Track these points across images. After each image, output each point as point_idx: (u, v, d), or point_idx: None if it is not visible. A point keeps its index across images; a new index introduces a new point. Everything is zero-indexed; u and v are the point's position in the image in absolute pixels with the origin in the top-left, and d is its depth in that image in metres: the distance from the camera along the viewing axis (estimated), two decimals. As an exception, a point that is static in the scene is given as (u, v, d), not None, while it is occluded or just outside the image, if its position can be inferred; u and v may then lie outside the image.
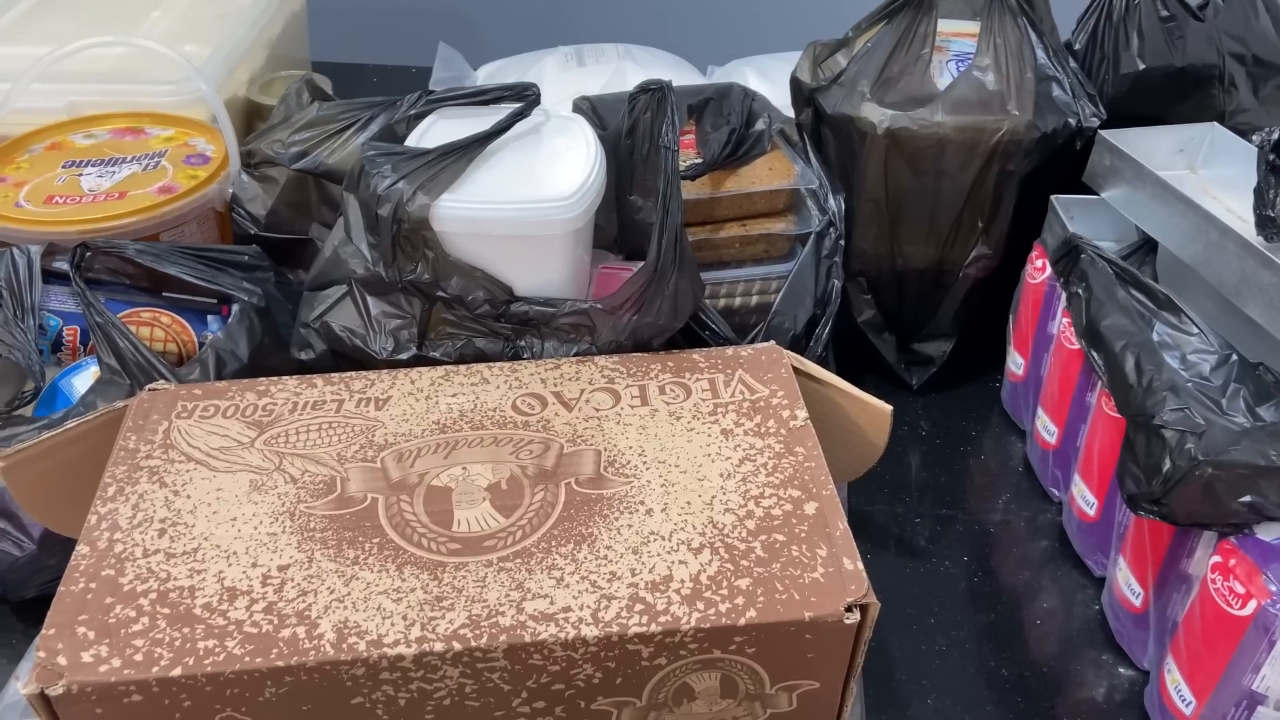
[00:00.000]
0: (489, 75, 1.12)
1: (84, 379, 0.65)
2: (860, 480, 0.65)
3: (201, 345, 0.69)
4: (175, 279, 0.68)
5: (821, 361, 0.76)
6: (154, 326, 0.68)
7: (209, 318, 0.70)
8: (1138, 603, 0.59)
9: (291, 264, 0.75)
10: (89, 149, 0.79)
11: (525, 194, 0.59)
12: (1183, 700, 0.54)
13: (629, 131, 0.66)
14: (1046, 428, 0.72)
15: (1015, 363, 0.78)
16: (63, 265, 0.67)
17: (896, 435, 0.80)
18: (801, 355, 0.75)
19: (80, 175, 0.75)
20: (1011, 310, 0.79)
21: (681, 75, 1.10)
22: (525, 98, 0.65)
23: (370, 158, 0.60)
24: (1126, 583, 0.60)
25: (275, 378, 0.59)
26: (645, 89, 0.64)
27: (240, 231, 0.74)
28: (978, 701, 0.59)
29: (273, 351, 0.68)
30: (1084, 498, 0.65)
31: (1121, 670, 0.61)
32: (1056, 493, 0.72)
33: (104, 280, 0.69)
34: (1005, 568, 0.68)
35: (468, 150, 0.61)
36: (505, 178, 0.61)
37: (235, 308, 0.67)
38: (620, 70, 1.07)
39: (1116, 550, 0.61)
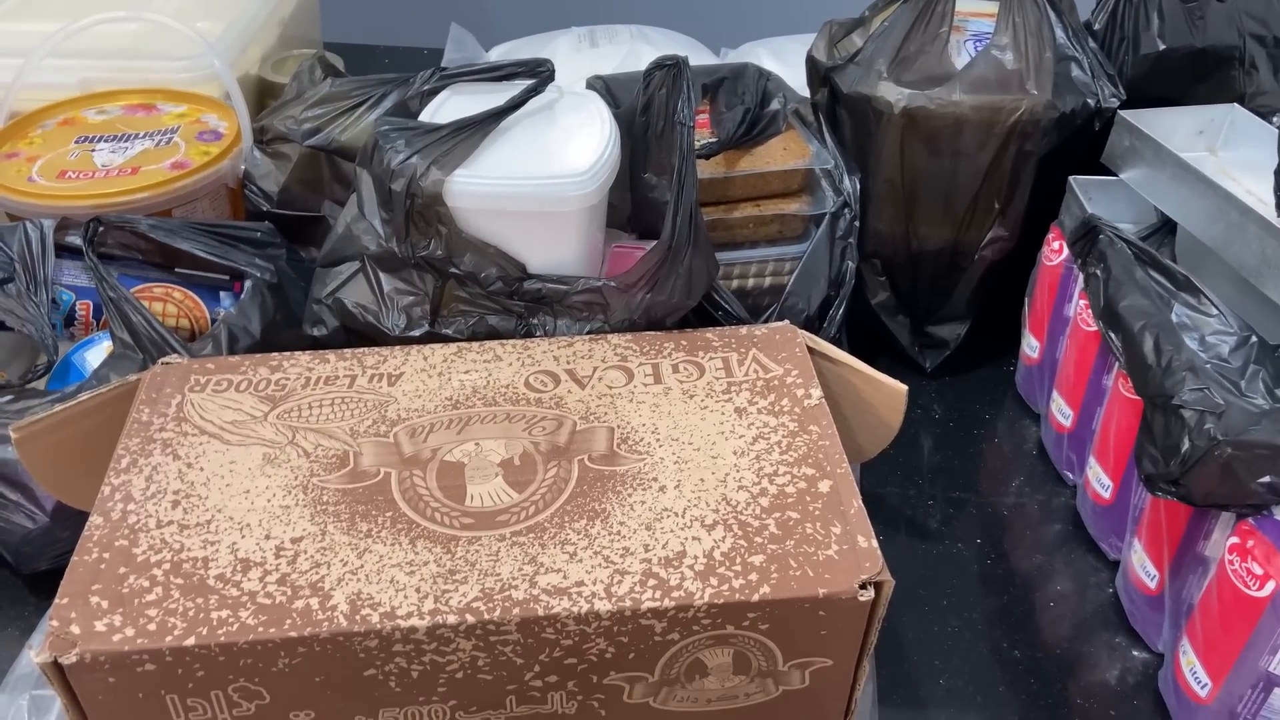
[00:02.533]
0: (501, 56, 1.12)
1: (97, 353, 0.65)
2: (872, 462, 0.64)
3: (214, 321, 0.69)
4: (188, 255, 0.68)
5: (835, 343, 0.76)
6: (166, 302, 0.68)
7: (221, 294, 0.70)
8: (1153, 585, 0.59)
9: (304, 241, 0.75)
10: (102, 125, 0.79)
11: (539, 170, 0.59)
12: (1198, 682, 0.53)
13: (644, 108, 0.66)
14: (1061, 410, 0.71)
15: (1030, 346, 0.78)
16: (75, 240, 0.67)
17: (910, 418, 0.79)
18: (816, 335, 0.76)
19: (93, 151, 0.75)
20: (1027, 293, 0.78)
21: (695, 56, 1.08)
22: (539, 74, 0.65)
23: (384, 132, 0.60)
24: (1142, 565, 0.59)
25: (288, 353, 0.59)
26: (661, 65, 0.64)
27: (252, 208, 0.74)
28: (990, 683, 0.59)
29: (285, 328, 0.68)
30: (1099, 480, 0.65)
31: (1135, 653, 0.61)
32: (1071, 476, 0.72)
33: (117, 255, 0.69)
34: (1018, 551, 0.68)
35: (481, 126, 0.60)
36: (519, 154, 0.60)
37: (248, 284, 0.67)
38: (633, 51, 1.07)
39: (1132, 533, 0.61)
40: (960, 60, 0.74)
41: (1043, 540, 0.68)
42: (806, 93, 0.83)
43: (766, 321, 0.75)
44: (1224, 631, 0.51)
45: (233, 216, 0.77)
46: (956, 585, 0.64)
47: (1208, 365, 0.57)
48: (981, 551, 0.67)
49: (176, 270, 0.70)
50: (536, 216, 0.60)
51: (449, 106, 0.64)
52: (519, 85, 0.64)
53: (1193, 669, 0.54)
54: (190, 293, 0.69)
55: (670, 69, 0.63)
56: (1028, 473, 0.74)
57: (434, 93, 0.67)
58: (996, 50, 0.72)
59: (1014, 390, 0.81)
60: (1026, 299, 0.78)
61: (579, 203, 0.59)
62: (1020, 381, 0.81)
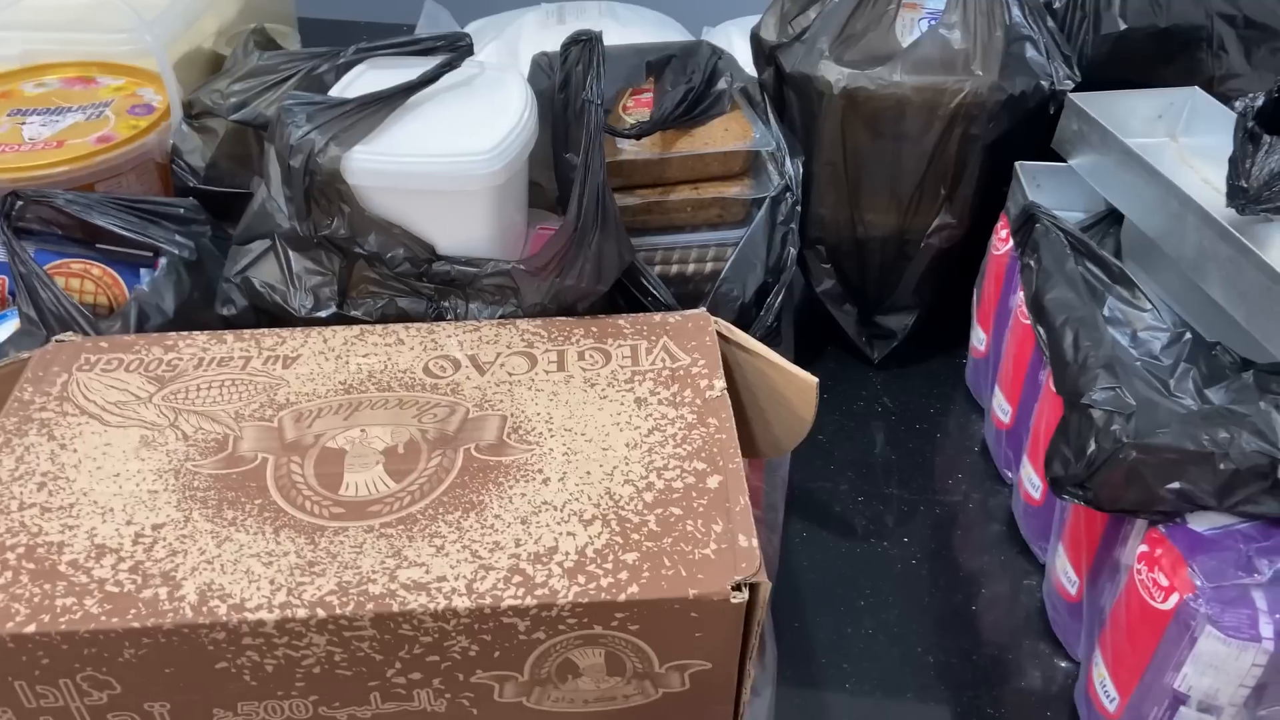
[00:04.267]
0: (472, 33, 1.10)
1: (7, 329, 0.64)
2: (807, 455, 0.62)
3: (132, 299, 0.68)
4: (106, 230, 0.67)
5: (773, 331, 0.74)
6: (84, 278, 0.67)
7: (143, 271, 0.69)
8: (1073, 591, 0.56)
9: (233, 218, 0.73)
10: (37, 98, 0.78)
11: (442, 148, 0.57)
12: (1107, 696, 0.51)
13: (562, 85, 0.64)
14: (1001, 406, 0.68)
15: (978, 338, 0.75)
16: (-5, 214, 0.66)
17: (854, 410, 0.77)
18: (751, 325, 0.73)
19: (24, 124, 0.74)
20: (976, 284, 0.75)
21: (665, 34, 1.06)
22: (457, 48, 0.63)
23: (287, 107, 0.58)
24: (1064, 570, 0.57)
25: (186, 333, 0.58)
26: (576, 40, 0.61)
27: (180, 184, 0.73)
28: (898, 688, 0.57)
29: (204, 307, 0.67)
30: (1030, 481, 0.62)
31: (1058, 661, 0.58)
32: (1009, 474, 0.69)
33: (35, 230, 0.68)
34: (948, 551, 0.65)
35: (389, 101, 0.58)
36: (425, 130, 0.58)
37: (163, 261, 0.66)
38: (600, 29, 1.04)
39: (1057, 536, 0.59)
40: (909, 39, 0.71)
41: (975, 541, 0.66)
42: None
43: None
44: (1130, 644, 0.49)
45: (162, 192, 0.75)
46: (877, 586, 0.62)
47: (1136, 363, 0.54)
48: (908, 551, 0.65)
49: (98, 246, 0.68)
50: (442, 196, 0.58)
51: (362, 81, 0.62)
52: (439, 59, 0.62)
53: (1103, 682, 0.51)
54: (109, 269, 0.68)
55: (585, 43, 0.61)
56: (968, 470, 0.71)
57: (352, 66, 0.65)
58: (944, 29, 0.69)
59: (964, 384, 0.78)
60: (976, 290, 0.75)
61: (484, 182, 0.57)
62: (969, 375, 0.78)
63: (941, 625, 0.60)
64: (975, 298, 0.75)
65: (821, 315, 0.79)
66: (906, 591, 0.62)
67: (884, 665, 0.58)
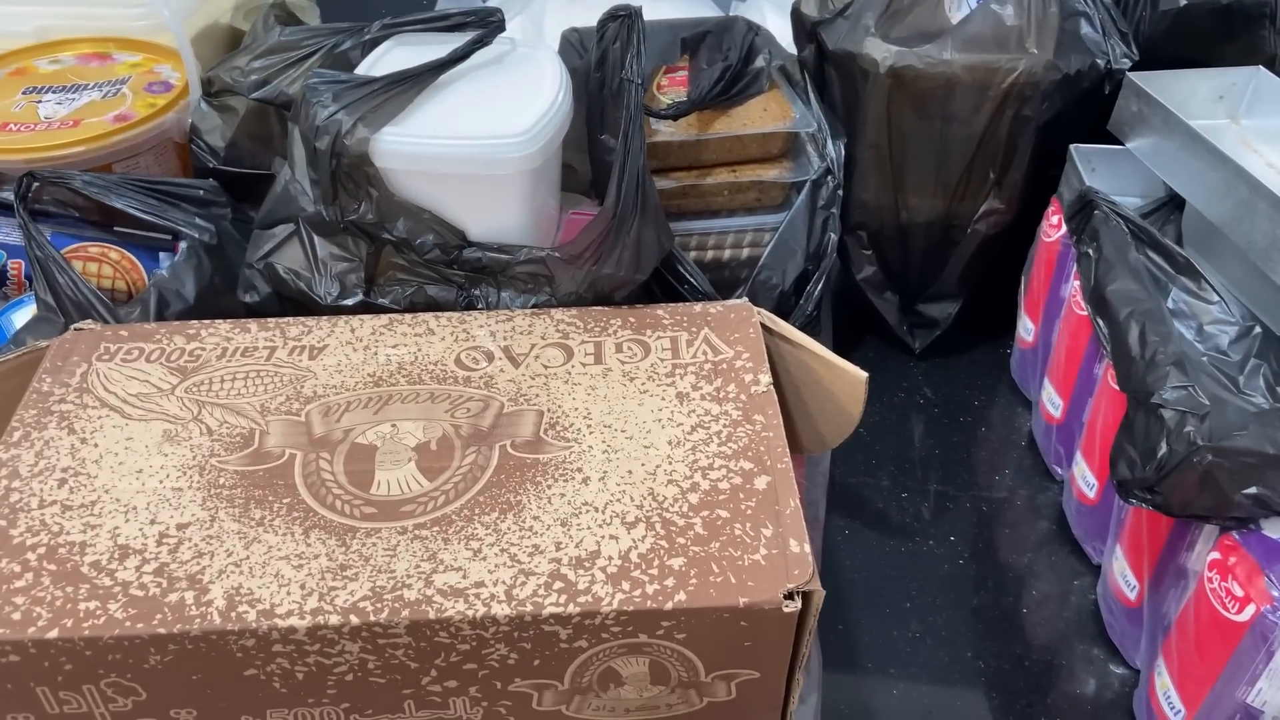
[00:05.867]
0: (494, 5, 1.07)
1: (25, 315, 0.62)
2: (848, 449, 0.60)
3: (151, 284, 0.66)
4: (124, 213, 0.65)
5: (813, 320, 0.71)
6: (102, 262, 0.65)
7: (161, 255, 0.67)
8: (1133, 596, 0.54)
9: (254, 200, 0.71)
10: (52, 75, 0.75)
11: (474, 129, 0.55)
12: (1171, 708, 0.49)
13: (598, 63, 0.61)
14: (1052, 400, 0.66)
15: (1026, 328, 0.72)
16: (8, 196, 0.64)
17: (894, 402, 0.75)
18: (791, 314, 0.71)
19: (39, 102, 0.72)
20: (1024, 271, 0.73)
21: (695, 8, 1.03)
22: (488, 24, 0.60)
23: (312, 86, 0.56)
24: (1122, 574, 0.54)
25: (208, 321, 0.56)
26: (614, 15, 0.59)
27: (199, 165, 0.71)
28: (946, 695, 0.54)
29: (225, 293, 0.65)
30: (1085, 479, 0.60)
31: (1113, 668, 0.56)
32: (1059, 470, 0.67)
33: (52, 212, 0.66)
34: (996, 550, 0.63)
35: (418, 80, 0.56)
36: (456, 111, 0.56)
37: (183, 245, 0.64)
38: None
39: (1114, 538, 0.56)
40: (958, 14, 0.68)
41: (1024, 539, 0.64)
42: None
43: (741, 297, 0.71)
44: (1200, 656, 0.46)
45: (181, 173, 0.73)
46: (924, 586, 0.60)
47: (1203, 358, 0.51)
48: (955, 550, 0.63)
49: (115, 229, 0.66)
50: (474, 180, 0.56)
51: (389, 59, 0.60)
52: (469, 36, 0.59)
53: (1167, 693, 0.49)
54: (128, 253, 0.66)
55: (624, 19, 0.58)
56: (1015, 465, 0.69)
57: (378, 43, 0.62)
58: (995, 4, 0.65)
59: (1008, 375, 0.76)
60: (1024, 277, 0.73)
61: (518, 165, 0.55)
62: (1015, 366, 0.75)
63: (991, 628, 0.58)
64: (1023, 285, 0.72)
65: (860, 303, 0.77)
66: (954, 593, 0.60)
67: (932, 670, 0.56)
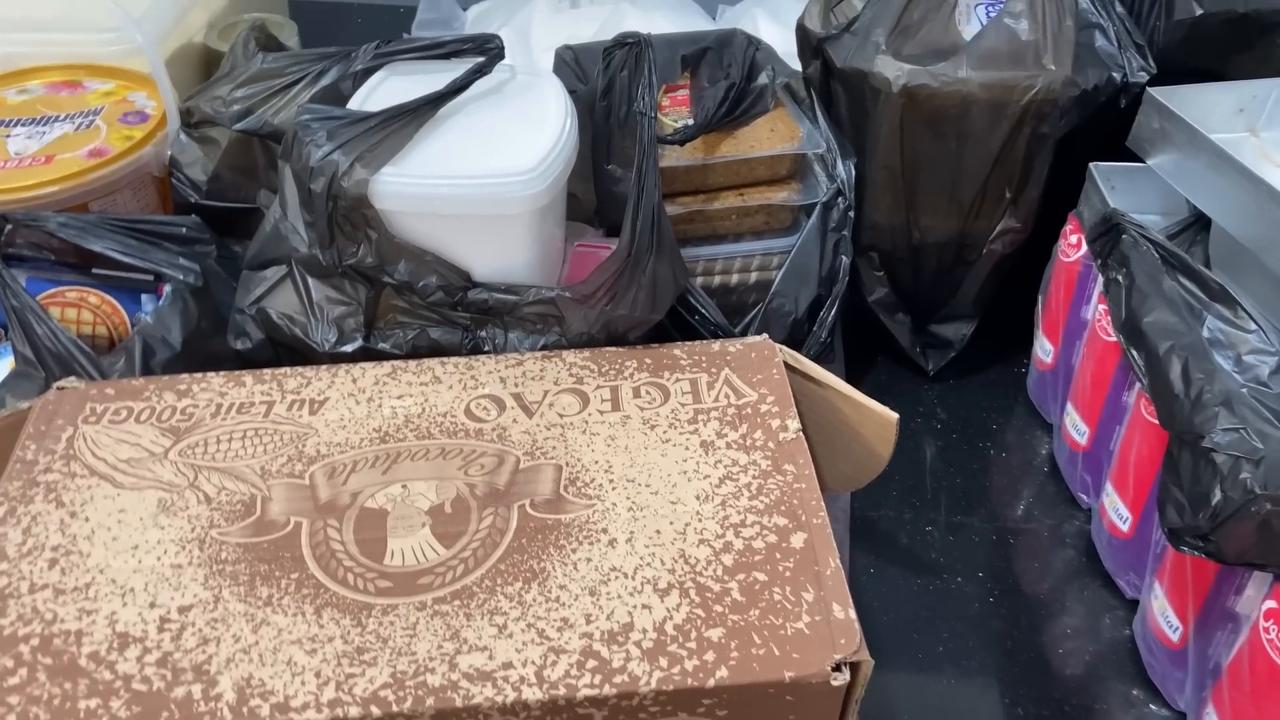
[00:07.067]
0: (477, 17, 1.04)
1: (3, 368, 0.59)
2: (866, 479, 0.57)
3: (134, 328, 0.62)
4: (103, 255, 0.61)
5: (826, 348, 0.69)
6: (81, 308, 0.62)
7: (144, 297, 0.64)
8: (1175, 638, 0.52)
9: (239, 235, 0.68)
10: (20, 106, 0.71)
11: (479, 168, 0.52)
12: (1225, 758, 0.47)
13: (604, 91, 0.58)
14: (1076, 426, 0.64)
15: (1044, 349, 0.70)
16: (-20, 240, 0.60)
17: (909, 427, 0.72)
18: (804, 340, 0.68)
19: (8, 136, 0.68)
20: (1041, 290, 0.71)
21: (685, 18, 1.00)
22: (487, 51, 0.57)
23: (304, 123, 0.53)
24: (1163, 614, 0.53)
25: (199, 374, 0.53)
26: (622, 42, 0.56)
27: (180, 199, 0.67)
28: (989, 747, 0.53)
29: (212, 335, 0.61)
30: (1116, 510, 0.58)
31: (1153, 708, 0.54)
32: (1086, 499, 0.65)
33: (26, 256, 0.62)
34: (1025, 584, 0.61)
35: (416, 114, 0.53)
36: (458, 147, 0.53)
37: (167, 288, 0.61)
38: (616, 13, 0.98)
39: (1153, 574, 0.54)
40: (970, 30, 0.65)
41: (1052, 571, 0.62)
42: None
43: (751, 323, 0.68)
44: (1256, 707, 0.44)
45: (161, 208, 0.70)
46: (955, 628, 0.58)
47: (1243, 390, 0.49)
48: (984, 586, 0.61)
49: (94, 271, 0.63)
50: (479, 220, 0.53)
51: (384, 90, 0.57)
52: (465, 64, 0.56)
53: (1219, 742, 0.47)
54: (108, 296, 0.62)
55: (632, 47, 0.55)
56: (1038, 492, 0.67)
57: (369, 72, 0.59)
58: (1009, 18, 0.63)
59: (1025, 396, 0.74)
60: (1040, 297, 0.71)
61: (526, 204, 0.52)
62: (1032, 387, 0.73)
63: (1028, 670, 0.56)
64: (1039, 305, 0.71)
65: (871, 323, 0.74)
66: (986, 633, 0.58)
67: (971, 720, 0.54)
